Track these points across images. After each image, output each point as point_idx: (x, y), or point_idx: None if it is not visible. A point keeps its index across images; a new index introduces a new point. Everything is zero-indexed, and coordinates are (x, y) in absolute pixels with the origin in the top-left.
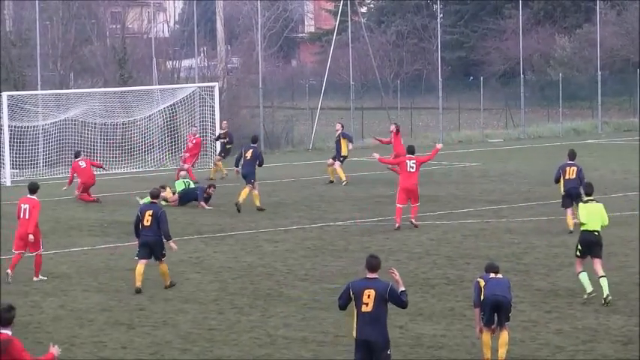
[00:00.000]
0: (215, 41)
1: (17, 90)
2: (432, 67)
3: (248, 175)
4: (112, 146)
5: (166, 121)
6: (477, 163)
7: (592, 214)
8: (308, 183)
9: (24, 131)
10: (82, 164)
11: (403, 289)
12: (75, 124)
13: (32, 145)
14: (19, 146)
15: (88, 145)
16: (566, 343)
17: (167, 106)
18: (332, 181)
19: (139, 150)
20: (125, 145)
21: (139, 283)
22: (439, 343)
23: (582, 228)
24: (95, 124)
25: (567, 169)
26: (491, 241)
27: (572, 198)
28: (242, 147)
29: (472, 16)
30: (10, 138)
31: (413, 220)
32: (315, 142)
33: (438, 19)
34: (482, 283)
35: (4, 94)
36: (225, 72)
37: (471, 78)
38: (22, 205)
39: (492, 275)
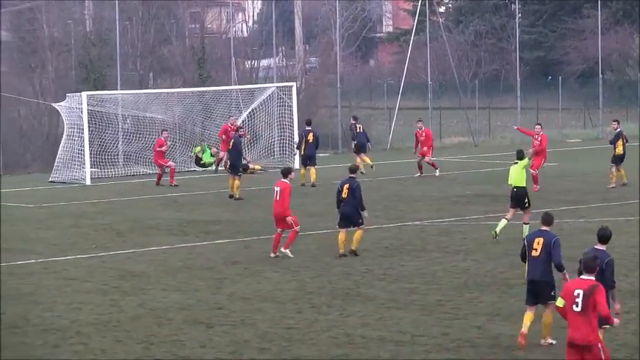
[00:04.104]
0: (293, 41)
1: (97, 90)
2: (511, 66)
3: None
4: (191, 146)
5: (245, 122)
6: (555, 163)
7: (516, 174)
8: (385, 183)
9: (103, 131)
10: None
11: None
12: (154, 124)
13: (112, 145)
14: (99, 146)
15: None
16: None
17: (245, 106)
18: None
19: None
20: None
21: (341, 250)
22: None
23: (512, 184)
24: (174, 123)
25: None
26: (569, 241)
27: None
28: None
29: (550, 16)
30: (90, 137)
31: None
32: (393, 142)
33: (517, 19)
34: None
35: (84, 94)
36: (303, 72)
37: (550, 78)
38: (275, 187)
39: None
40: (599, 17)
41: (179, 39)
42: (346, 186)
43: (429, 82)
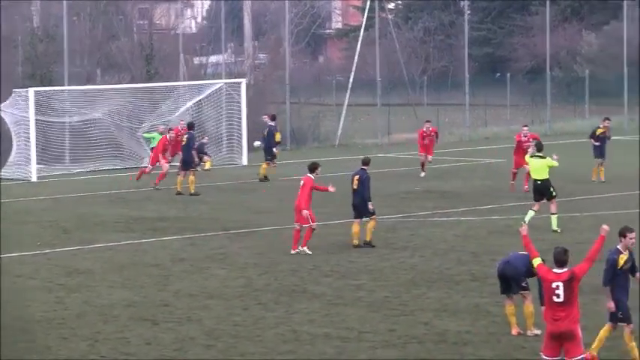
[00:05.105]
0: (242, 37)
1: (44, 86)
2: (459, 63)
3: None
4: (139, 142)
5: (193, 118)
6: (503, 160)
7: (538, 168)
8: (334, 179)
9: (50, 127)
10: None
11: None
12: (101, 120)
13: (59, 141)
14: (45, 142)
15: (114, 141)
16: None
17: (193, 103)
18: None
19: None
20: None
21: (355, 241)
22: (464, 339)
23: (532, 177)
24: (122, 120)
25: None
26: (516, 237)
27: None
28: None
29: (499, 13)
30: (37, 134)
31: None
32: (342, 139)
33: (465, 16)
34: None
35: (31, 90)
36: (252, 68)
37: (498, 74)
38: (301, 181)
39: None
40: (548, 14)
41: (127, 35)
42: (357, 177)
43: (378, 79)
